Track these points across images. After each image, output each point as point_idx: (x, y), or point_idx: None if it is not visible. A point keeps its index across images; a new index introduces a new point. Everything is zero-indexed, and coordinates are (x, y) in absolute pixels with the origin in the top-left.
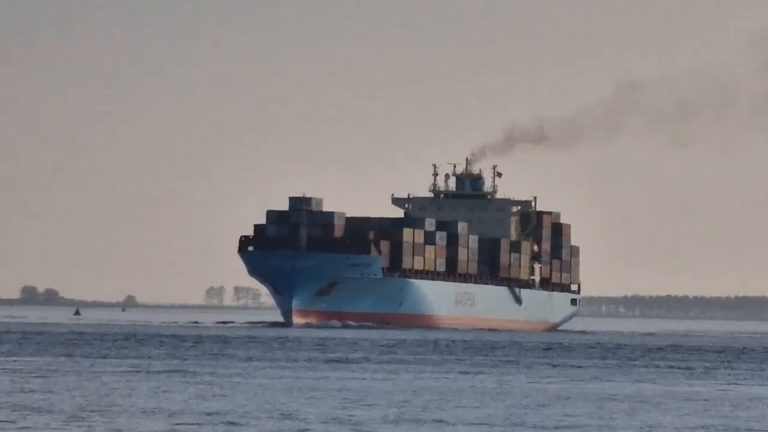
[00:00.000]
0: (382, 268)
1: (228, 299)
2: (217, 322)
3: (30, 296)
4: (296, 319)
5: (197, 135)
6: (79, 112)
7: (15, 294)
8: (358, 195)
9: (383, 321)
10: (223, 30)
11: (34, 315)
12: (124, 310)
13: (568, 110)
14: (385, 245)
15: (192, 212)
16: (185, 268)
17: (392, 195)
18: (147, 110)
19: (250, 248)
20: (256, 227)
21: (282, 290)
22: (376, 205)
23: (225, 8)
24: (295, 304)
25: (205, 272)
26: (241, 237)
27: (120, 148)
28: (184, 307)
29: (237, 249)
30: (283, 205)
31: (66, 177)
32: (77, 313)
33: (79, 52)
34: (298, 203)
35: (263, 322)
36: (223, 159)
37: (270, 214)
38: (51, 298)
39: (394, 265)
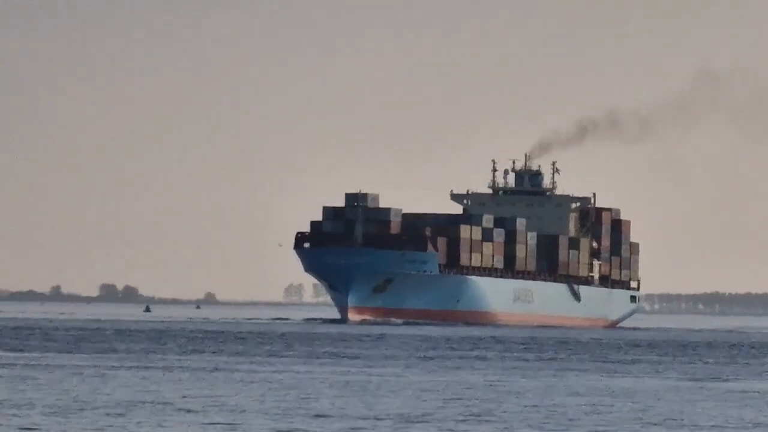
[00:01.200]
0: (439, 265)
1: (307, 296)
2: (274, 318)
3: (109, 294)
4: (352, 316)
5: (257, 132)
6: (155, 114)
7: (94, 292)
8: (415, 191)
9: (440, 318)
10: (280, 27)
11: (106, 311)
12: (198, 307)
13: (637, 103)
14: (441, 242)
15: (254, 208)
16: (263, 264)
17: (451, 191)
18: (209, 110)
19: (306, 245)
20: (313, 223)
21: (337, 287)
22: (434, 201)
23: (278, 8)
24: (351, 300)
25: (281, 269)
26: (297, 233)
27: (190, 147)
28: (261, 305)
29: (293, 245)
30: (340, 202)
31: (143, 176)
32: (147, 309)
33: (144, 49)
34: (354, 199)
35: (319, 319)
36: (280, 156)
37: (326, 210)
38: (130, 295)
39: (451, 262)
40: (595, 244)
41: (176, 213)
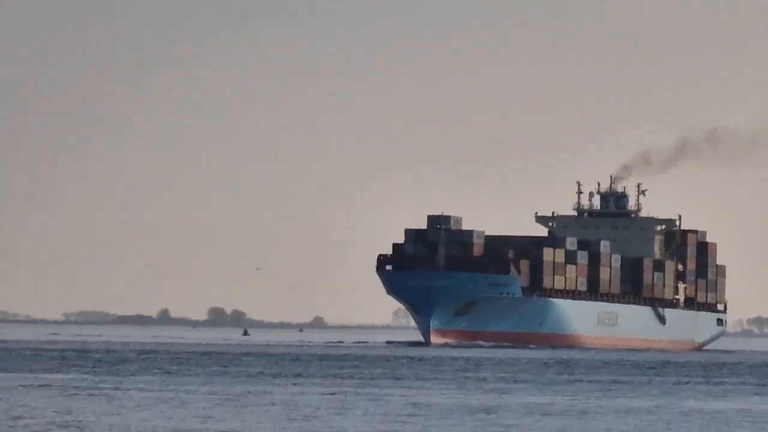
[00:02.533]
0: (522, 288)
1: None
2: (355, 342)
3: (217, 318)
4: (434, 339)
5: (341, 152)
6: (248, 141)
7: (202, 315)
8: (498, 214)
9: (523, 341)
10: (364, 40)
11: (203, 336)
12: (301, 330)
13: (728, 125)
14: (524, 264)
15: (336, 232)
16: (368, 287)
17: (536, 213)
18: (294, 131)
19: (388, 267)
20: (395, 246)
21: (420, 309)
22: (518, 223)
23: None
24: (434, 324)
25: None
26: (380, 256)
27: (279, 168)
28: (368, 328)
29: (375, 268)
30: (422, 224)
31: (242, 200)
32: (246, 333)
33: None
34: (437, 222)
35: (400, 342)
36: (363, 177)
37: (408, 232)
38: (238, 319)
39: (534, 285)
40: (680, 267)
41: (273, 237)
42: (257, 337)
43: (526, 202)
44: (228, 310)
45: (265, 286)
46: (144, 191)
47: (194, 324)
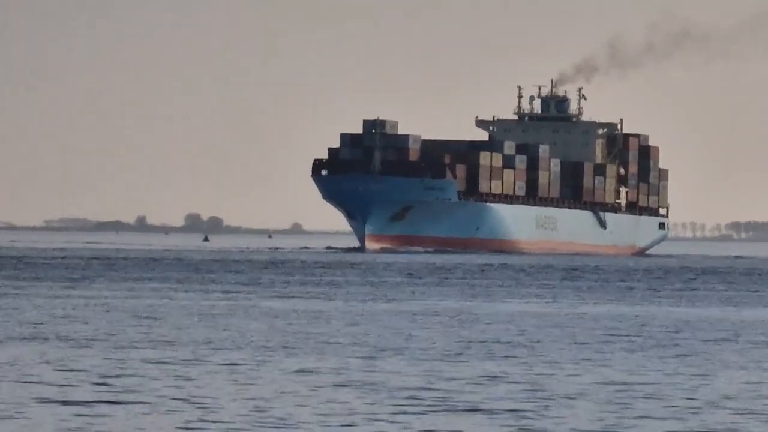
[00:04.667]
0: (458, 192)
1: None
2: (301, 248)
3: (194, 224)
4: (370, 244)
5: (275, 56)
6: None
7: (179, 222)
8: (437, 118)
9: (459, 246)
10: None
11: (160, 242)
12: (270, 236)
13: (663, 28)
14: (461, 169)
15: (266, 135)
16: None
17: (476, 118)
18: (236, 40)
19: (324, 172)
20: (330, 150)
21: (355, 215)
22: (457, 128)
23: None
24: (369, 229)
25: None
26: (315, 160)
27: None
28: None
29: (311, 172)
30: (358, 129)
31: (223, 110)
32: (206, 239)
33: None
34: (372, 126)
35: (337, 248)
36: (298, 81)
37: (344, 137)
38: (215, 226)
39: (471, 189)
40: (622, 171)
41: (238, 143)
42: (219, 243)
43: (467, 107)
44: (205, 217)
45: (242, 192)
46: (124, 99)
47: (167, 230)
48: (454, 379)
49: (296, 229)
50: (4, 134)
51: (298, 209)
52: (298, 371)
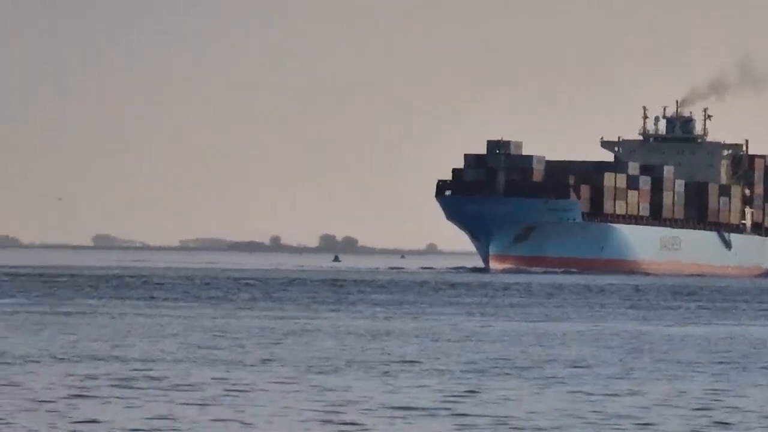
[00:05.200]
0: (582, 213)
1: None
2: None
3: (329, 244)
4: (493, 265)
5: (400, 78)
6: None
7: (314, 242)
8: (561, 139)
9: (583, 267)
10: None
11: (290, 261)
12: (403, 257)
13: None
14: (585, 190)
15: (393, 156)
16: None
17: (601, 138)
18: (361, 57)
19: (448, 193)
20: (454, 171)
21: (479, 235)
22: (581, 148)
23: None
24: (492, 249)
25: None
26: (439, 181)
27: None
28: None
29: (435, 193)
30: (482, 149)
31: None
32: (336, 259)
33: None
34: (497, 147)
35: (463, 268)
36: (424, 102)
37: (468, 157)
38: (349, 245)
39: (595, 210)
40: (747, 192)
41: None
42: (349, 263)
43: (591, 127)
44: (339, 237)
45: (376, 212)
46: (256, 121)
47: (301, 251)
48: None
49: (431, 250)
50: (141, 157)
51: (432, 230)
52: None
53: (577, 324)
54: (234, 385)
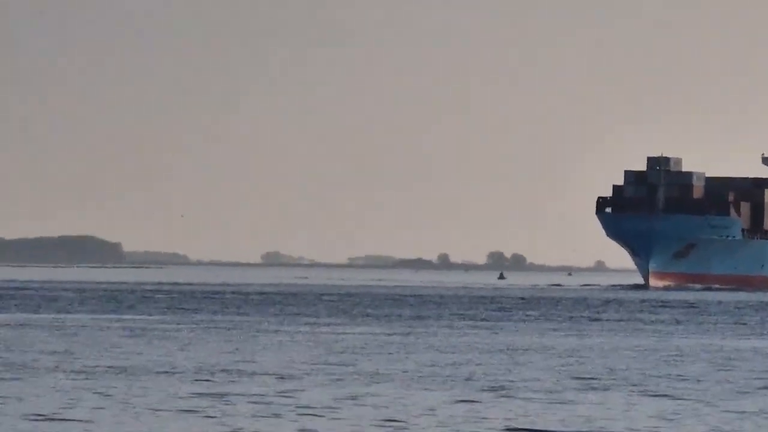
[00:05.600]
0: (743, 230)
1: None
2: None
3: (497, 261)
4: (653, 282)
5: (563, 94)
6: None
7: (482, 259)
8: (720, 155)
9: (744, 284)
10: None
11: (453, 279)
12: (570, 274)
13: None
14: (745, 206)
15: (551, 172)
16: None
17: (762, 155)
18: (523, 74)
19: (608, 209)
20: (614, 188)
21: (639, 252)
22: (741, 165)
23: None
24: (652, 266)
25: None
26: (599, 198)
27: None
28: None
29: (595, 210)
30: (642, 165)
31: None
32: (501, 276)
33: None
34: (656, 163)
35: (621, 285)
36: (584, 117)
37: (628, 174)
38: (518, 263)
39: (756, 227)
40: None
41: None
42: (515, 280)
43: (752, 143)
44: (508, 254)
45: (544, 229)
46: (428, 140)
47: (468, 268)
48: None
49: (599, 267)
50: (309, 177)
51: (601, 247)
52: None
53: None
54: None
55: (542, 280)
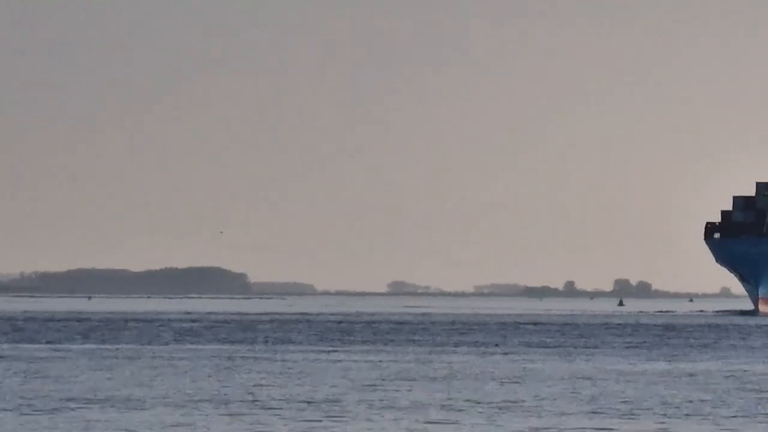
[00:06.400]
0: None
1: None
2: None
3: (623, 288)
4: (762, 308)
5: (680, 118)
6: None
7: (608, 287)
8: None
9: None
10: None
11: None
12: (691, 300)
13: None
14: None
15: (660, 198)
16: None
17: None
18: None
19: (716, 235)
20: (723, 213)
21: (748, 278)
22: None
23: None
24: (762, 292)
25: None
26: (707, 224)
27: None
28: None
29: (703, 236)
30: (751, 191)
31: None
32: (621, 303)
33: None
34: (765, 188)
35: (730, 311)
36: (692, 142)
37: (736, 199)
38: (644, 290)
39: None
40: None
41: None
42: (634, 307)
43: None
44: (633, 281)
45: (669, 256)
46: (546, 167)
47: (593, 296)
48: None
49: (724, 293)
50: (434, 207)
51: (726, 273)
52: None
53: None
54: None
55: (662, 306)
